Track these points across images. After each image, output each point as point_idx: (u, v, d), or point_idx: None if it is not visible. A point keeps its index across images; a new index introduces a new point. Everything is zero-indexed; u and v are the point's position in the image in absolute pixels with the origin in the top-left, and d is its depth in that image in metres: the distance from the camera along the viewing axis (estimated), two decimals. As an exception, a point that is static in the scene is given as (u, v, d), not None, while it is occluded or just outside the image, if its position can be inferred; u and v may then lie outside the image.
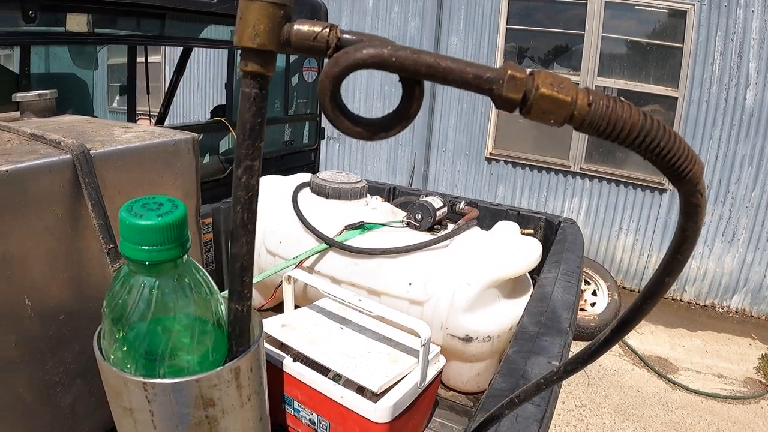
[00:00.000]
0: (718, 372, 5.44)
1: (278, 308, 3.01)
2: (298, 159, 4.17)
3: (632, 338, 5.94)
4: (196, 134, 1.54)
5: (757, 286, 6.60)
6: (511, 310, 2.40)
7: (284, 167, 3.81)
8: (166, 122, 4.90)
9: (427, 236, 2.55)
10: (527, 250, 2.46)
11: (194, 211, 1.58)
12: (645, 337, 5.96)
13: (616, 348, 5.55)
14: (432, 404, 2.18)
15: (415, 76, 0.48)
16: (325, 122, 4.32)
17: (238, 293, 0.64)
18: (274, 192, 2.92)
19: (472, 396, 2.51)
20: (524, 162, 7.45)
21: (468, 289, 2.26)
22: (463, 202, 2.93)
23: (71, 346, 1.32)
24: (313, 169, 4.31)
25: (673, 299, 6.95)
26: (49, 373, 1.28)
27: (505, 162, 7.64)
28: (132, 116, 3.69)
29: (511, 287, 2.51)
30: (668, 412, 4.76)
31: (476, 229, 2.70)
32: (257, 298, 2.92)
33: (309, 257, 2.55)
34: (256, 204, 0.63)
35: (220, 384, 0.76)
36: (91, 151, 1.26)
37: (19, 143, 1.29)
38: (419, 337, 1.79)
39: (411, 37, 7.94)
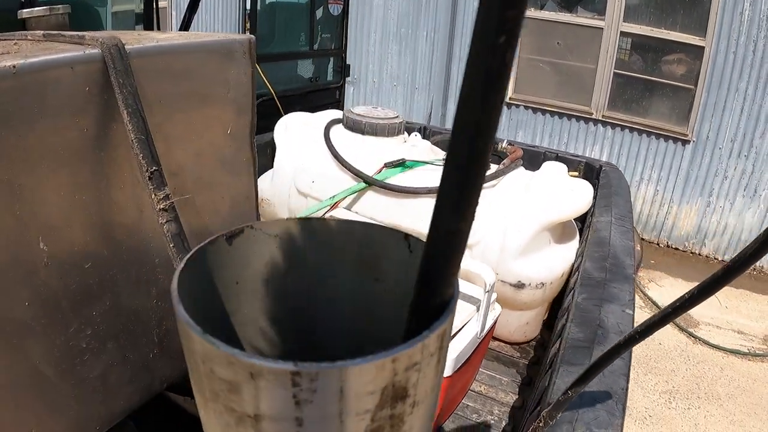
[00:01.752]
0: (737, 328, 5.41)
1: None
2: (323, 97, 4.00)
3: (652, 290, 5.89)
4: (252, 35, 1.25)
5: (775, 243, 6.53)
6: (563, 256, 2.30)
7: (309, 105, 3.64)
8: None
9: (471, 176, 2.42)
10: (580, 192, 2.34)
11: (248, 130, 1.31)
12: (665, 289, 5.92)
13: (637, 300, 5.50)
14: (483, 355, 2.09)
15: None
16: (355, 71, 4.14)
17: (458, 205, 0.41)
18: (303, 129, 2.77)
19: (518, 346, 2.43)
20: (545, 108, 7.25)
21: (521, 231, 2.14)
22: (504, 141, 2.78)
23: (100, 302, 1.04)
24: (339, 107, 4.15)
25: (692, 253, 6.88)
26: (72, 337, 1.00)
27: (525, 107, 7.43)
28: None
29: (560, 232, 2.40)
30: (690, 366, 4.76)
31: (522, 170, 2.56)
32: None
33: (346, 197, 2.42)
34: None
35: (422, 360, 0.44)
36: (126, 47, 0.94)
37: (31, 44, 0.96)
38: (484, 282, 1.68)
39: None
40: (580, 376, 1.05)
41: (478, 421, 2.06)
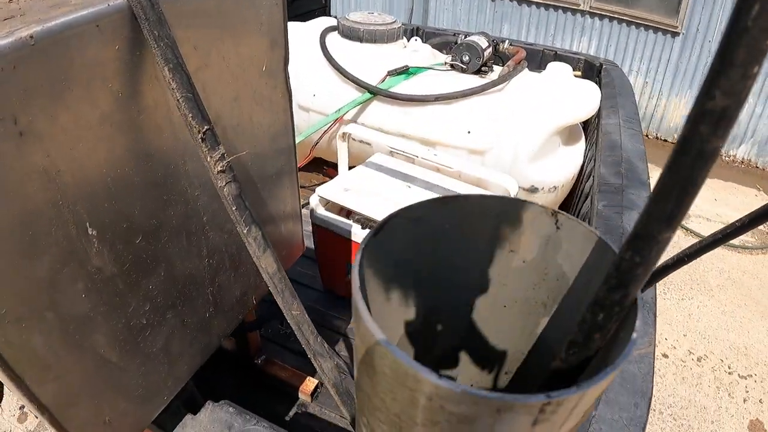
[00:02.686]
0: (726, 220, 5.56)
1: (309, 167, 2.88)
2: (309, 2, 3.83)
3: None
4: None
5: (764, 138, 6.60)
6: (572, 158, 2.31)
7: (295, 13, 3.49)
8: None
9: (477, 80, 2.38)
10: (588, 95, 2.32)
11: (283, 64, 1.23)
12: (653, 181, 6.00)
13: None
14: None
15: None
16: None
17: (673, 215, 0.38)
18: (296, 40, 2.67)
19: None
20: (530, 0, 7.07)
21: (533, 136, 2.14)
22: (507, 41, 2.72)
23: (155, 274, 0.99)
24: (325, 12, 3.99)
25: (680, 147, 6.92)
26: (132, 316, 0.96)
27: None
28: None
29: (567, 134, 2.40)
30: (681, 258, 4.88)
31: (527, 71, 2.52)
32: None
33: (350, 110, 2.37)
34: None
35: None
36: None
37: (32, 0, 0.79)
38: (505, 191, 1.69)
39: None
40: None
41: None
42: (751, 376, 3.79)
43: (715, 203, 5.85)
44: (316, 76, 2.53)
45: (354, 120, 2.41)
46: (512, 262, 0.62)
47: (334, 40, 2.63)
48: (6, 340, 0.72)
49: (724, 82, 0.31)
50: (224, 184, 0.81)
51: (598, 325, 0.45)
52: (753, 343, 4.04)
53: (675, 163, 0.35)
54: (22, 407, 2.95)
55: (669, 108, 6.80)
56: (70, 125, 0.74)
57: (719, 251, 4.97)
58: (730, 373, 3.80)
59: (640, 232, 0.38)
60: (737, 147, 6.77)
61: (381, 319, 0.60)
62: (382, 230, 0.55)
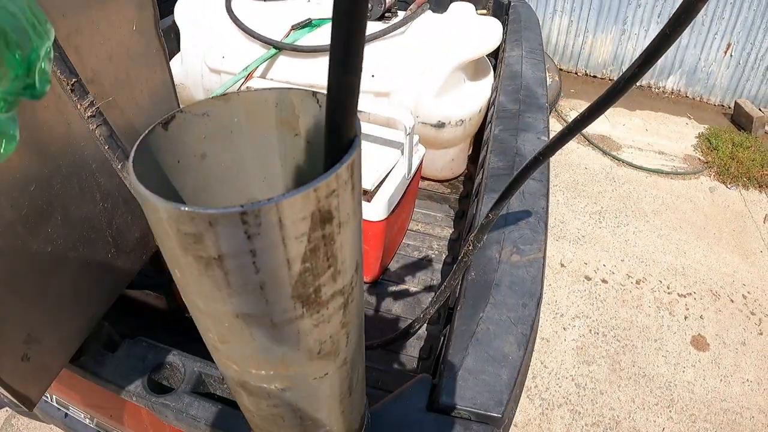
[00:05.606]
0: (658, 149, 5.82)
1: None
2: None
3: (573, 117, 6.16)
4: None
5: (692, 68, 6.88)
6: (479, 92, 2.45)
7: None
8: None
9: (380, 25, 2.49)
10: (489, 30, 2.46)
11: (153, 22, 1.33)
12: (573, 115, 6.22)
13: (560, 128, 5.75)
14: (416, 195, 2.27)
15: None
16: None
17: (344, 61, 0.50)
18: (203, 6, 2.73)
19: (448, 183, 2.62)
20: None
21: (436, 73, 2.26)
22: (410, -12, 2.82)
23: (52, 219, 1.12)
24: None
25: (610, 79, 7.16)
26: (36, 258, 1.08)
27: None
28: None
29: (473, 69, 2.53)
30: (616, 186, 5.14)
31: (429, 13, 2.64)
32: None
33: (258, 66, 2.46)
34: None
35: (338, 188, 0.57)
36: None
37: None
38: (404, 126, 1.81)
39: None
40: (497, 200, 1.20)
41: (419, 257, 2.28)
42: (691, 294, 4.04)
43: (646, 133, 6.11)
44: (223, 39, 2.60)
45: (264, 75, 2.50)
46: (300, 143, 0.74)
47: (239, 2, 2.70)
48: None
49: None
50: (95, 126, 0.91)
51: (328, 161, 0.57)
52: (690, 263, 4.31)
53: (336, 18, 0.48)
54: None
55: (596, 44, 7.02)
56: None
57: (651, 178, 5.22)
58: (669, 293, 4.04)
59: (329, 82, 0.51)
60: (666, 78, 7.05)
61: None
62: (171, 122, 0.66)
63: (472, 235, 1.25)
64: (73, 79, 0.88)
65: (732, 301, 4.00)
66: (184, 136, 0.68)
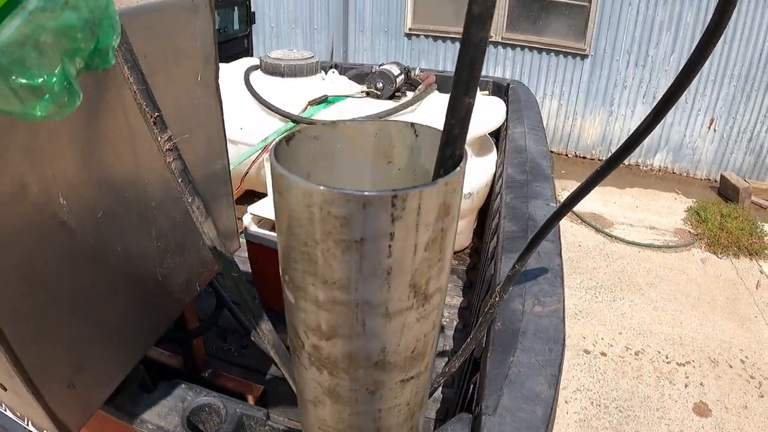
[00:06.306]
0: (649, 224, 6.00)
1: (241, 200, 3.07)
2: (233, 47, 4.10)
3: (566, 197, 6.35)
4: None
5: (677, 145, 7.18)
6: (484, 167, 2.59)
7: (220, 56, 3.70)
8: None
9: (391, 103, 2.65)
10: (494, 109, 2.63)
11: (214, 75, 1.48)
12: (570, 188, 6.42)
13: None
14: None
15: None
16: (253, 6, 4.23)
17: (469, 86, 0.61)
18: (222, 79, 2.89)
19: (455, 255, 2.72)
20: (445, 35, 7.51)
21: (445, 148, 2.40)
22: (417, 68, 3.02)
23: (113, 248, 1.19)
24: (248, 55, 4.26)
25: (599, 159, 7.42)
26: (93, 288, 1.15)
27: (426, 36, 7.66)
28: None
29: (479, 146, 2.69)
30: (610, 262, 5.27)
31: (437, 93, 2.82)
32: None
33: (276, 139, 2.59)
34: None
35: (457, 187, 0.66)
36: (113, 7, 1.08)
37: None
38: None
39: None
40: (522, 252, 1.31)
41: (429, 323, 2.35)
42: (690, 362, 4.09)
43: (637, 209, 6.30)
44: (242, 111, 2.75)
45: (281, 149, 2.63)
46: (391, 171, 0.85)
47: (257, 77, 2.87)
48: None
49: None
50: (172, 160, 0.99)
51: (441, 170, 0.66)
52: (687, 332, 4.37)
53: (462, 51, 0.59)
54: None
55: (584, 126, 7.33)
56: (56, 133, 0.99)
57: (644, 253, 5.37)
58: (668, 363, 4.09)
59: (451, 103, 0.61)
60: (653, 156, 7.32)
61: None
62: (292, 139, 0.77)
63: (499, 286, 1.34)
64: (156, 114, 0.99)
65: (731, 367, 4.04)
66: (296, 154, 0.79)
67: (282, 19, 8.05)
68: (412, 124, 0.79)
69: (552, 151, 7.47)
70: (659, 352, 4.20)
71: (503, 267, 1.63)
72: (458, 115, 0.63)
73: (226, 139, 1.56)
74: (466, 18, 0.57)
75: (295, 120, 2.57)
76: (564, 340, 1.33)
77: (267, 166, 2.23)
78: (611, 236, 5.66)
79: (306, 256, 0.66)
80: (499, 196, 2.19)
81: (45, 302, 1.03)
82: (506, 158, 2.38)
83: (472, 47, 0.57)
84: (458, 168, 0.65)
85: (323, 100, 2.65)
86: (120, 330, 1.26)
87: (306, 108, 2.63)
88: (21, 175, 0.94)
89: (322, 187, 0.58)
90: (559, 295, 1.49)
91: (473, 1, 0.56)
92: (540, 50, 7.19)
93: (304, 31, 8.11)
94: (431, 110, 2.59)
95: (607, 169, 1.08)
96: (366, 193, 0.57)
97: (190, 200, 1.01)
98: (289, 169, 0.81)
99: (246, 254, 2.18)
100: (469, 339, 1.36)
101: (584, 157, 7.51)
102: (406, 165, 0.83)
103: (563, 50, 7.10)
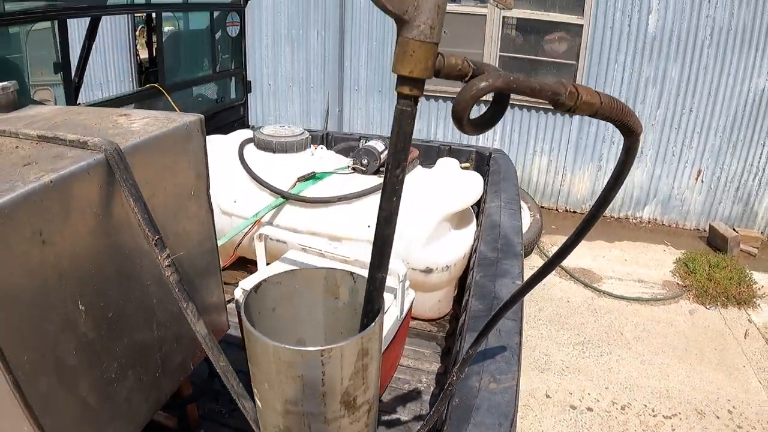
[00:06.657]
0: (638, 278, 6.13)
1: (234, 266, 3.25)
2: (229, 115, 4.35)
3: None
4: (202, 115, 1.62)
5: (666, 197, 7.36)
6: (463, 240, 2.77)
7: (216, 125, 3.97)
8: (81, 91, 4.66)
9: (375, 179, 2.85)
10: (472, 184, 2.82)
11: (205, 188, 1.68)
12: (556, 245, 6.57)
13: (541, 263, 6.07)
14: (406, 334, 2.53)
15: (515, 92, 0.77)
16: (249, 75, 4.48)
17: (381, 264, 0.87)
18: (218, 151, 3.11)
19: (435, 322, 2.88)
20: (437, 95, 7.75)
21: (425, 224, 2.59)
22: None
23: (121, 340, 1.39)
24: (244, 123, 4.49)
25: (591, 214, 7.60)
26: (105, 371, 1.35)
27: (419, 96, 7.92)
28: (72, 97, 3.27)
29: (458, 219, 2.87)
30: (598, 317, 5.38)
31: (419, 168, 3.02)
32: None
33: (267, 213, 2.79)
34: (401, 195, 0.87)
35: (373, 337, 0.99)
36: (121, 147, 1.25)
37: (32, 148, 1.27)
38: (397, 274, 2.10)
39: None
40: (474, 339, 1.49)
41: (410, 389, 2.50)
42: (676, 415, 4.14)
43: (625, 263, 6.45)
44: (236, 184, 2.95)
45: (270, 222, 2.82)
46: (338, 305, 1.14)
47: (250, 151, 3.08)
48: (25, 380, 1.09)
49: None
50: (170, 273, 1.21)
51: (365, 320, 0.96)
52: (674, 385, 4.44)
53: (375, 242, 0.83)
54: None
55: (574, 181, 7.53)
56: (70, 235, 1.18)
57: (632, 307, 5.50)
58: (654, 416, 4.14)
59: (369, 275, 0.87)
60: (642, 209, 7.50)
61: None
62: (260, 288, 1.04)
63: (455, 368, 1.52)
64: (156, 236, 1.21)
65: (717, 417, 4.09)
66: (265, 297, 1.09)
67: (280, 77, 8.32)
68: (351, 273, 1.06)
69: (543, 207, 7.68)
70: (645, 405, 4.28)
71: (465, 345, 1.79)
72: (374, 285, 0.86)
73: (216, 241, 1.77)
74: (377, 220, 0.79)
75: (285, 196, 2.76)
76: (515, 415, 1.50)
77: (256, 240, 2.42)
78: (599, 291, 5.79)
79: (267, 380, 0.93)
80: (471, 272, 2.36)
81: (69, 387, 1.25)
82: (481, 233, 2.56)
83: (381, 240, 0.78)
84: (373, 324, 0.93)
85: (311, 177, 2.85)
86: (127, 407, 1.47)
87: (295, 184, 2.83)
88: (49, 293, 1.15)
89: (273, 343, 0.86)
90: (514, 373, 1.66)
91: (381, 208, 0.76)
92: (529, 108, 7.44)
93: (300, 90, 8.38)
94: (413, 186, 2.77)
95: (538, 277, 1.27)
96: (302, 349, 0.85)
97: (185, 306, 1.23)
98: (259, 307, 1.09)
99: (237, 319, 2.34)
100: (431, 412, 1.52)
101: (574, 212, 7.71)
102: (348, 301, 1.11)
103: (552, 108, 7.34)
